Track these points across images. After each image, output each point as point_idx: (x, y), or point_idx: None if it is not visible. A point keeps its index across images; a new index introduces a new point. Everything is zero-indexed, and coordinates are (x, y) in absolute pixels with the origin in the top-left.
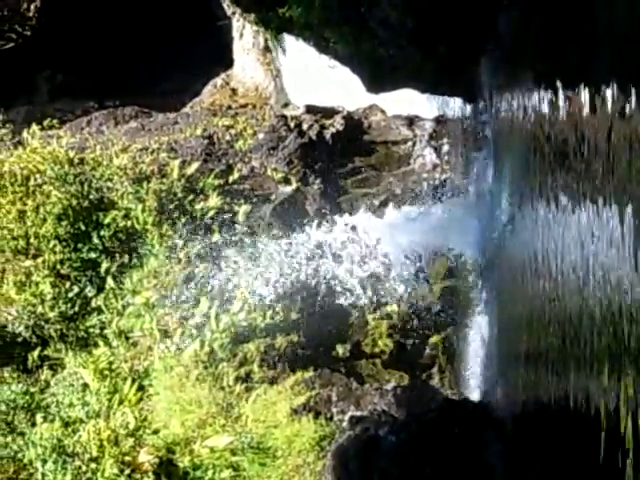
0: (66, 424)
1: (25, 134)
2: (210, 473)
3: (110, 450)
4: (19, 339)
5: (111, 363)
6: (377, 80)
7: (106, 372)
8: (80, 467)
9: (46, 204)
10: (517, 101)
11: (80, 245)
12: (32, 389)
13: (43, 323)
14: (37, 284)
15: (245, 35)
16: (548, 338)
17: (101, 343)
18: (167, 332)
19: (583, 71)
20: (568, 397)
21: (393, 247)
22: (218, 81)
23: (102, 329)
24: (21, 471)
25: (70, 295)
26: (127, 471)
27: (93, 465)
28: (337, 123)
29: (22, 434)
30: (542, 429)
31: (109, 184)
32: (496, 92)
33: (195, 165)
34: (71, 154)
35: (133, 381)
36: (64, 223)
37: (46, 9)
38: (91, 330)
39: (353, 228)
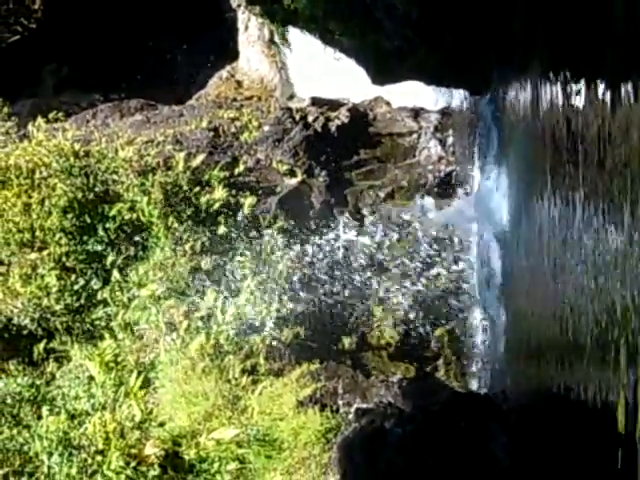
0: (72, 417)
1: (30, 127)
2: (216, 465)
3: (116, 443)
4: (25, 332)
5: (117, 356)
6: (382, 72)
7: (112, 365)
8: (86, 460)
9: (51, 197)
10: (524, 93)
11: (86, 238)
12: (38, 382)
13: (49, 316)
14: (43, 277)
15: (250, 27)
16: (554, 330)
17: (107, 336)
18: (173, 325)
19: (593, 63)
20: (574, 390)
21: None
22: (223, 73)
23: (108, 322)
24: (27, 464)
25: (76, 288)
26: (133, 464)
27: (99, 458)
28: (342, 115)
29: (28, 427)
30: (548, 421)
31: (114, 177)
32: (503, 84)
33: (200, 157)
34: (76, 147)
35: (139, 374)
36: (69, 216)
37: (51, 2)
38: (97, 323)
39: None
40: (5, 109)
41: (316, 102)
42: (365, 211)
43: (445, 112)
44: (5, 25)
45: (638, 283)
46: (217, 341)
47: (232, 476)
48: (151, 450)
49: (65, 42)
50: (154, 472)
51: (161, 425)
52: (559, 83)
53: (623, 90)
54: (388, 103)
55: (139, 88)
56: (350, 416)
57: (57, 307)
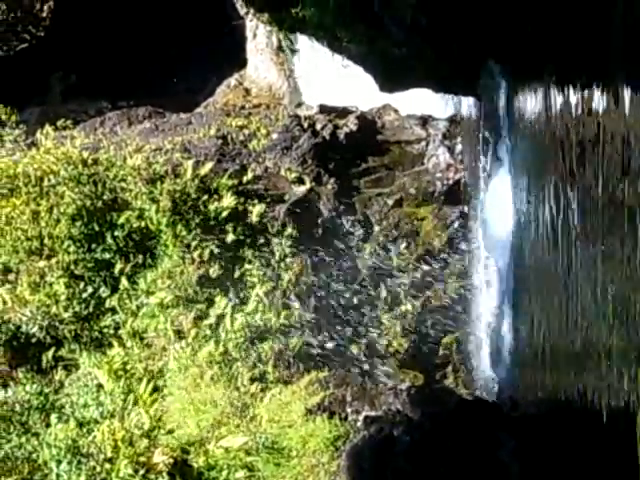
0: (80, 424)
1: (39, 135)
2: (225, 473)
3: (125, 450)
4: (33, 340)
5: (125, 363)
6: (391, 79)
7: (120, 372)
8: (94, 468)
9: (60, 205)
10: (532, 100)
11: (94, 245)
12: (46, 390)
13: (57, 324)
14: (51, 285)
15: (258, 35)
16: (564, 337)
17: (115, 343)
18: (181, 332)
19: (598, 71)
20: (583, 397)
21: None
22: (231, 81)
23: (116, 329)
24: (36, 472)
25: (84, 295)
26: (142, 471)
27: (107, 465)
28: (350, 123)
29: (36, 435)
30: (557, 428)
31: (123, 184)
32: (510, 91)
33: (209, 165)
34: (85, 155)
35: (147, 381)
36: (78, 224)
37: (59, 10)
38: (105, 330)
39: None
40: (13, 117)
41: (324, 110)
42: (373, 219)
43: (453, 119)
44: (13, 33)
45: None
46: (226, 349)
47: None
48: (160, 458)
49: (73, 50)
50: None
51: (170, 433)
52: (568, 91)
53: (626, 94)
54: (396, 111)
55: (147, 96)
56: (359, 424)
57: (65, 315)
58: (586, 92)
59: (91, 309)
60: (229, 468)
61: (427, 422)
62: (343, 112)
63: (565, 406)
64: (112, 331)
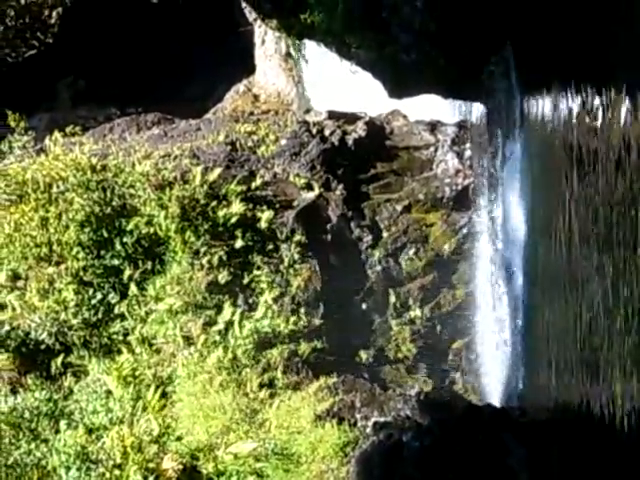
0: (90, 431)
1: (47, 141)
2: (234, 479)
3: (134, 457)
4: (42, 346)
5: (134, 370)
6: (399, 85)
7: (129, 379)
8: (104, 474)
9: (69, 211)
10: (543, 105)
11: (103, 252)
12: (55, 396)
13: (66, 330)
14: (60, 291)
15: (267, 41)
16: (574, 343)
17: (124, 350)
18: (190, 338)
19: (605, 76)
20: (593, 402)
21: None
22: (240, 87)
23: (125, 336)
24: (45, 478)
25: (93, 302)
26: (151, 478)
27: (117, 472)
28: (359, 129)
29: (46, 441)
30: (566, 435)
31: (132, 191)
32: (522, 96)
33: (217, 171)
34: (93, 161)
35: (157, 388)
36: (87, 230)
37: (68, 16)
38: (114, 337)
39: None
40: (22, 123)
41: (333, 116)
42: (382, 225)
43: (462, 125)
44: (22, 39)
45: None
46: (235, 355)
47: None
48: (169, 464)
49: (82, 56)
50: None
51: (179, 439)
52: (580, 96)
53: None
54: (405, 116)
55: (156, 102)
56: (368, 429)
57: (74, 321)
58: (598, 97)
59: (100, 315)
60: (238, 474)
61: (436, 428)
62: (352, 118)
63: (575, 412)
64: (121, 337)
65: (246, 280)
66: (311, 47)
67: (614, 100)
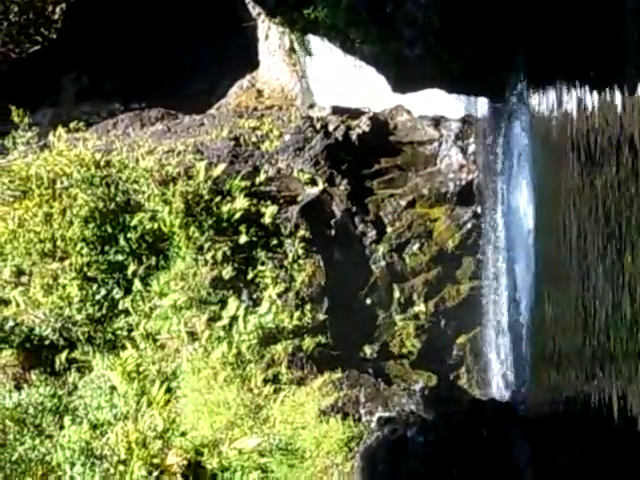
0: (94, 426)
1: (51, 137)
2: (238, 475)
3: (138, 452)
4: (47, 342)
5: (139, 365)
6: (403, 80)
7: (134, 374)
8: (108, 469)
9: (73, 207)
10: (550, 100)
11: (107, 247)
12: (60, 392)
13: (70, 326)
14: (64, 287)
15: (271, 36)
16: (578, 338)
17: (129, 345)
18: (194, 334)
19: (613, 72)
20: (599, 398)
21: None
22: (244, 82)
23: (129, 331)
24: (49, 474)
25: (97, 297)
26: (155, 473)
27: (121, 467)
28: (363, 124)
29: (50, 437)
30: (571, 429)
31: (135, 186)
32: (524, 92)
33: (221, 167)
34: (97, 157)
35: (161, 383)
36: (91, 226)
37: (71, 11)
38: (118, 332)
39: None
40: (26, 119)
41: (337, 111)
42: (386, 220)
43: (466, 120)
44: (25, 35)
45: None
46: (239, 350)
47: None
48: (173, 460)
49: (85, 52)
50: None
51: (183, 434)
52: (587, 91)
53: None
54: (409, 111)
55: (160, 97)
56: (372, 424)
57: (79, 317)
58: (605, 93)
59: (104, 311)
60: (243, 469)
61: (441, 423)
62: (356, 113)
63: (580, 407)
64: (125, 333)
65: (250, 275)
66: (315, 42)
67: (624, 97)
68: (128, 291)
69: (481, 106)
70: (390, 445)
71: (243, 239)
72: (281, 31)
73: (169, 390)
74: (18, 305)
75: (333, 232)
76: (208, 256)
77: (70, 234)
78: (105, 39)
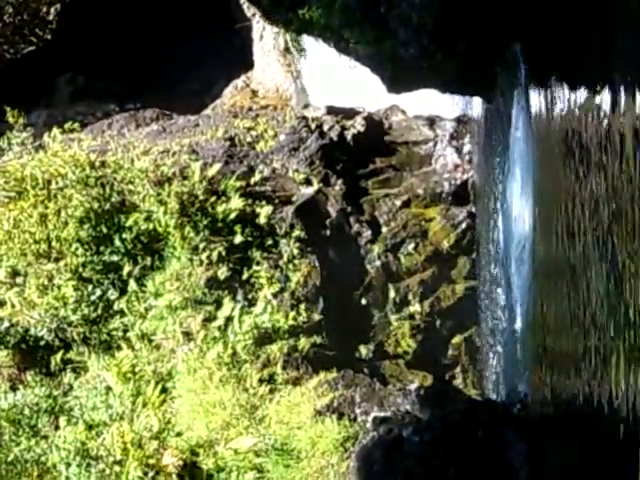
0: (90, 427)
1: (46, 137)
2: (234, 475)
3: (134, 453)
4: (42, 342)
5: (134, 366)
6: (398, 80)
7: (129, 375)
8: (104, 470)
9: (68, 207)
10: (542, 100)
11: (102, 248)
12: (55, 392)
13: (66, 326)
14: (59, 287)
15: (265, 37)
16: (575, 337)
17: (124, 346)
18: (190, 334)
19: (612, 72)
20: (595, 398)
21: None
22: (239, 83)
23: (125, 332)
24: (45, 474)
25: (92, 298)
26: (151, 474)
27: (117, 468)
28: (358, 124)
29: (45, 437)
30: (567, 429)
31: (130, 187)
32: (519, 92)
33: (216, 167)
34: (92, 157)
35: (156, 384)
36: (86, 226)
37: (66, 12)
38: (114, 333)
39: None
40: (20, 119)
41: (332, 111)
42: (381, 220)
43: (461, 120)
44: (20, 36)
45: None
46: (234, 350)
47: None
48: (169, 460)
49: (80, 52)
50: None
51: (179, 435)
52: (576, 92)
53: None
54: (403, 111)
55: (154, 98)
56: (368, 425)
57: (74, 317)
58: (604, 93)
59: (99, 312)
60: (238, 470)
61: (436, 423)
62: (350, 113)
63: (576, 407)
64: (121, 333)
65: (245, 276)
66: (309, 42)
67: (623, 97)
68: (123, 291)
69: (476, 106)
70: (386, 445)
71: (238, 239)
72: (276, 31)
73: (164, 390)
74: (13, 306)
75: (328, 232)
76: (203, 256)
77: (65, 235)
78: (100, 39)
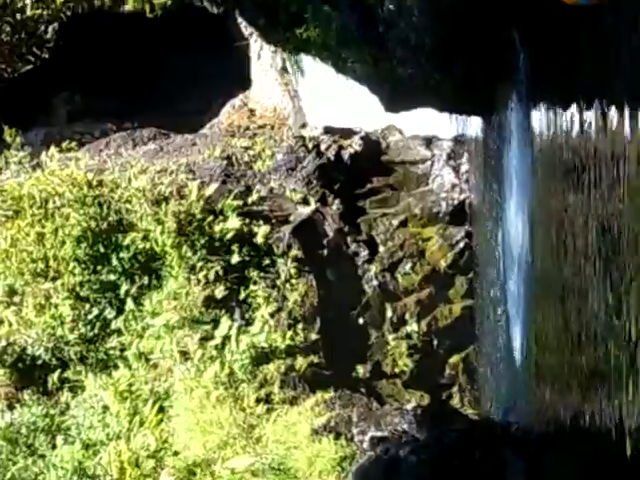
0: (87, 446)
1: (43, 156)
2: None
3: (131, 472)
4: (39, 361)
5: (131, 385)
6: (396, 99)
7: (126, 394)
8: None
9: (65, 226)
10: (539, 120)
11: (99, 267)
12: (52, 411)
13: (63, 345)
14: (56, 306)
15: (263, 56)
16: (572, 356)
17: (121, 365)
18: (187, 353)
19: (611, 90)
20: (593, 416)
21: None
22: (236, 102)
23: (122, 351)
24: None
25: (90, 317)
26: None
27: None
28: (355, 144)
29: (43, 456)
30: (565, 448)
31: (128, 206)
32: (516, 112)
33: (214, 186)
34: (90, 176)
35: (153, 403)
36: (83, 245)
37: (64, 31)
38: (111, 352)
39: None
40: (18, 139)
41: (329, 130)
42: (378, 239)
43: (458, 140)
44: (18, 55)
45: None
46: (231, 370)
47: None
48: (166, 479)
49: (78, 72)
50: None
51: (176, 454)
52: (574, 111)
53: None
54: (401, 131)
55: (152, 117)
56: (365, 444)
57: (71, 337)
58: (602, 111)
59: (97, 331)
60: None
61: (434, 443)
62: (348, 133)
63: (574, 426)
64: (118, 353)
65: (243, 295)
66: (307, 61)
67: (622, 116)
68: (120, 311)
69: (474, 125)
70: (383, 465)
71: (235, 259)
72: (273, 50)
73: (162, 409)
74: (10, 325)
75: (325, 252)
76: (200, 275)
77: (62, 254)
78: (97, 58)
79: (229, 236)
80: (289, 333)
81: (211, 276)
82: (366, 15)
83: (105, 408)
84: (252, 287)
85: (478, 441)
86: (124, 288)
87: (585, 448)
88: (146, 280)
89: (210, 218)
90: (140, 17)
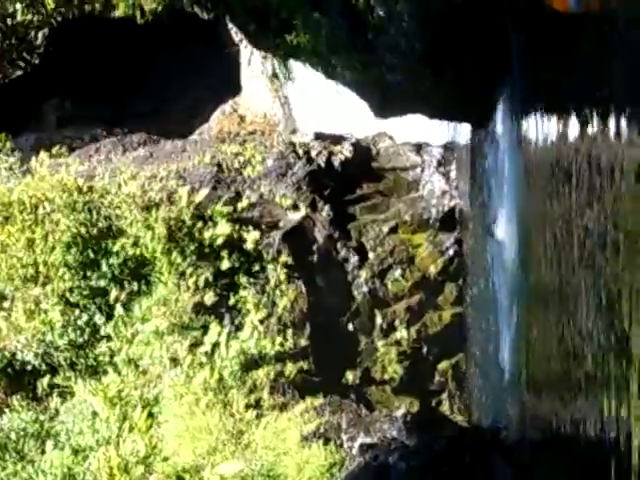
0: (76, 452)
1: (33, 162)
2: None
3: (120, 477)
4: (28, 367)
5: (121, 391)
6: (385, 106)
7: (116, 400)
8: None
9: (55, 232)
10: (530, 127)
11: (89, 273)
12: (42, 417)
13: (52, 351)
14: (46, 312)
15: (253, 62)
16: (562, 363)
17: (110, 371)
18: (176, 359)
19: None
20: (581, 424)
21: None
22: (226, 108)
23: (111, 357)
24: None
25: (79, 323)
26: None
27: None
28: (345, 150)
29: (32, 462)
30: (554, 454)
31: (118, 212)
32: (507, 118)
33: (204, 192)
34: (80, 182)
35: (143, 409)
36: (73, 251)
37: (54, 37)
38: (100, 358)
39: None
40: (8, 144)
41: (319, 137)
42: (368, 245)
43: (448, 146)
44: (8, 60)
45: None
46: (221, 376)
47: None
48: None
49: (68, 77)
50: None
51: (165, 460)
52: (565, 119)
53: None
54: (391, 137)
55: (142, 123)
56: (354, 451)
57: (61, 342)
58: (592, 121)
59: (86, 336)
60: None
61: (423, 449)
62: (338, 139)
63: (563, 432)
64: (107, 358)
65: (232, 301)
66: (297, 68)
67: (610, 125)
68: (110, 317)
69: (464, 132)
70: (372, 471)
71: (225, 265)
72: (263, 56)
73: (151, 415)
74: (0, 330)
75: (315, 258)
76: (190, 282)
77: (52, 259)
78: (87, 64)
79: (219, 242)
80: (279, 339)
81: (201, 282)
82: (356, 21)
83: (94, 414)
84: (242, 293)
85: (467, 448)
86: (114, 294)
87: (574, 455)
88: (136, 286)
89: (200, 224)
90: (130, 23)
